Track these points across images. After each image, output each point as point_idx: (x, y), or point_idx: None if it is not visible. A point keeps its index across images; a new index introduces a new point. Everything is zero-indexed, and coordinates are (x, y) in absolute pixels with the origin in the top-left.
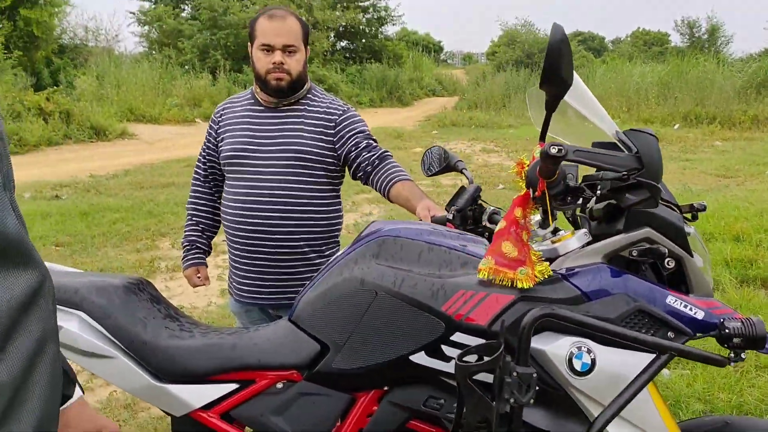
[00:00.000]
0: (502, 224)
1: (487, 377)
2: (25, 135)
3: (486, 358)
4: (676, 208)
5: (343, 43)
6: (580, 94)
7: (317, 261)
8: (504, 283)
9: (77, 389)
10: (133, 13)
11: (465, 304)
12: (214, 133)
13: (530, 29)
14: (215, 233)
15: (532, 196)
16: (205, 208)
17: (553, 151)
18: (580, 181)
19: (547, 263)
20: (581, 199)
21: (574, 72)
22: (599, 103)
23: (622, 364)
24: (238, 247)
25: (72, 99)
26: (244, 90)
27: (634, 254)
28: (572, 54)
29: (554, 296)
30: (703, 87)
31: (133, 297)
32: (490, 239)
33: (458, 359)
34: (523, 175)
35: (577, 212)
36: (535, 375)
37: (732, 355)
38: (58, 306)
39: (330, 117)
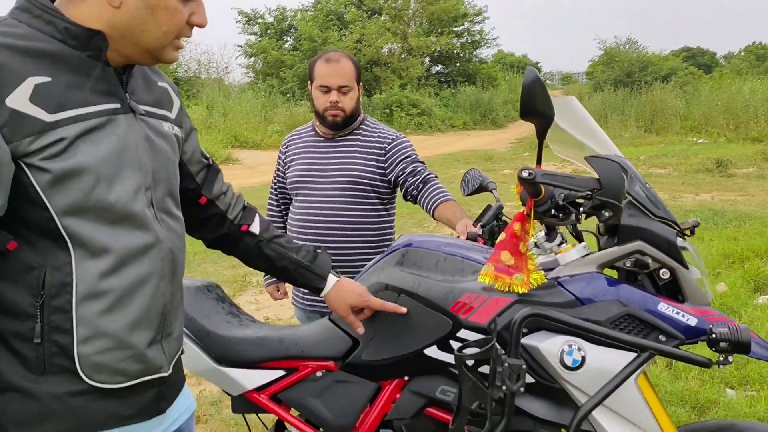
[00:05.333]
0: (502, 236)
1: (486, 369)
2: None
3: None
4: (673, 224)
5: (438, 68)
6: (578, 121)
7: None
8: (502, 288)
9: (329, 280)
10: (241, 46)
11: (470, 305)
12: (282, 162)
13: (633, 46)
14: None
15: (526, 212)
16: (278, 228)
17: (524, 174)
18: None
19: (543, 271)
20: (573, 215)
21: (575, 99)
22: (598, 128)
23: (609, 361)
24: None
25: None
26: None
27: (628, 265)
28: (546, 91)
29: (549, 300)
30: None
31: (202, 296)
32: None
33: (457, 350)
34: (519, 194)
35: (579, 227)
36: (524, 366)
37: (721, 358)
38: None
39: (381, 145)
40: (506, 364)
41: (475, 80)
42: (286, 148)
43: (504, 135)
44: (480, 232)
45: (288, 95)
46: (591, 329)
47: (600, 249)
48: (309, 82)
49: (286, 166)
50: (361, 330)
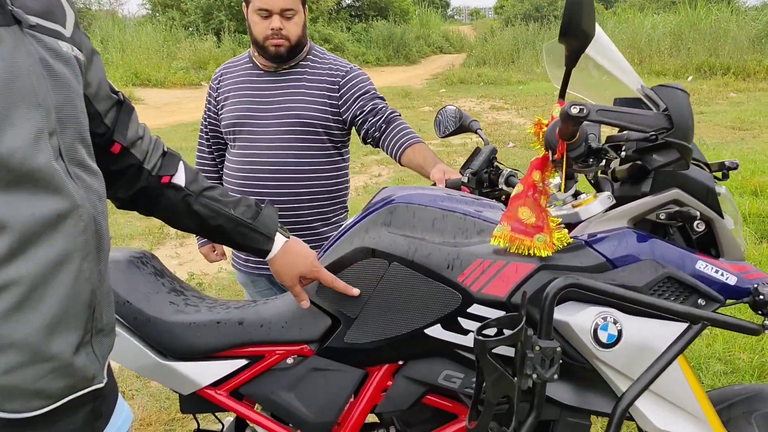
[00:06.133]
0: (519, 188)
1: (507, 350)
2: None
3: (506, 332)
4: (705, 167)
5: (349, 1)
6: (602, 46)
7: (323, 230)
8: (520, 251)
9: (276, 240)
10: None
11: (482, 274)
12: (213, 101)
13: None
14: None
15: (551, 158)
16: (211, 179)
17: (574, 111)
18: (603, 141)
19: (566, 230)
20: (604, 161)
21: (596, 23)
22: (622, 56)
23: (650, 335)
24: None
25: None
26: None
27: (662, 217)
28: (594, 7)
29: (577, 264)
30: (716, 37)
31: (136, 271)
32: (506, 203)
33: (477, 333)
34: (541, 136)
35: (599, 173)
36: (558, 349)
37: (766, 322)
38: None
39: (333, 79)
40: (537, 348)
41: (387, 14)
42: (218, 83)
43: (418, 71)
44: (465, 180)
45: (191, 29)
46: (638, 300)
47: (616, 198)
48: (244, 4)
49: (219, 106)
50: (306, 304)
